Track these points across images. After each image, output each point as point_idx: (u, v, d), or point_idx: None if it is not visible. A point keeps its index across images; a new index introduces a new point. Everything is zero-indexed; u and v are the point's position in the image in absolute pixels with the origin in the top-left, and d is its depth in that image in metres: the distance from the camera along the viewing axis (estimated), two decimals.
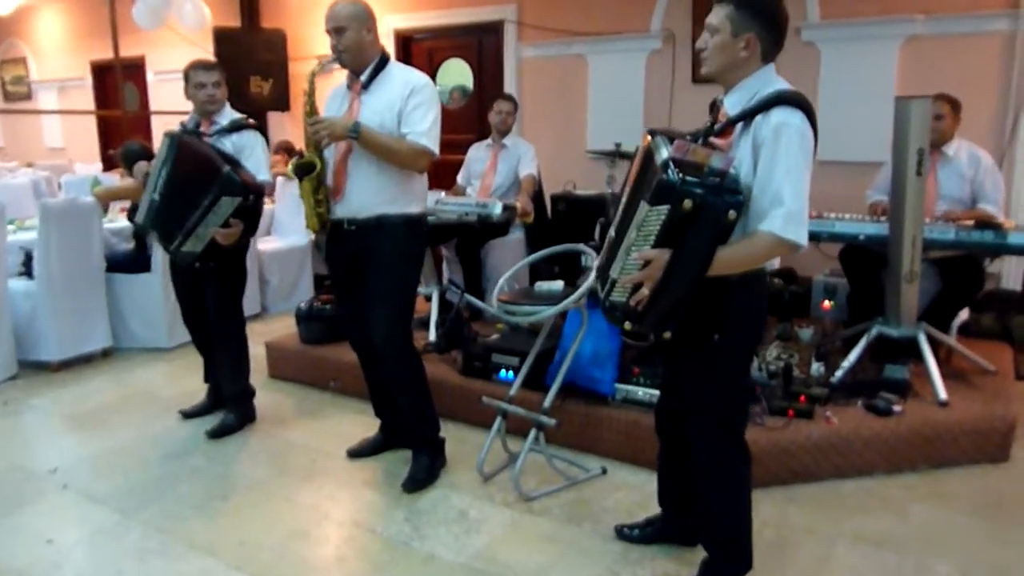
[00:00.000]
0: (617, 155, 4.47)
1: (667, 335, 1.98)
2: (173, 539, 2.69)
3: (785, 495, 2.92)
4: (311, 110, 2.88)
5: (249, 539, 2.69)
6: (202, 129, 3.43)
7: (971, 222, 3.50)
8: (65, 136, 9.58)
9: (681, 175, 1.81)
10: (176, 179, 3.24)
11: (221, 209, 3.18)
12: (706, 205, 1.81)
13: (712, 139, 2.07)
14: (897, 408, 3.22)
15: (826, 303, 4.66)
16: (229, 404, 3.64)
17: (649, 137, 2.03)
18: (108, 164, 8.65)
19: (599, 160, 5.47)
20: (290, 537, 2.70)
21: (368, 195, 2.88)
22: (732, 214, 1.85)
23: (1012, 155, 4.51)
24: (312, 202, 2.93)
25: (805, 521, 2.76)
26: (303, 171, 2.88)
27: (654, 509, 2.71)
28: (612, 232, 2.09)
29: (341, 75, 3.02)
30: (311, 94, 2.89)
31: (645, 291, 1.90)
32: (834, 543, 2.62)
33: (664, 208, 1.83)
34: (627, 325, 1.96)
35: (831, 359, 3.68)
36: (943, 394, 3.29)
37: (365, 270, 2.96)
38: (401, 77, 2.89)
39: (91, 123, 9.22)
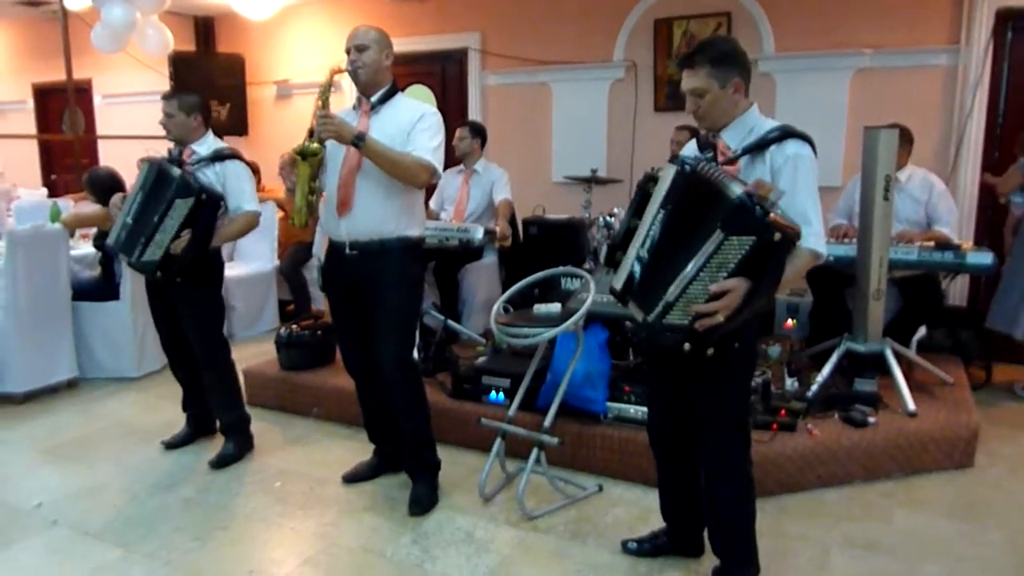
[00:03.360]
0: (594, 181, 4.61)
1: (710, 351, 2.09)
2: (181, 572, 2.65)
3: (775, 505, 3.05)
4: (324, 104, 2.91)
5: (260, 568, 2.68)
6: (184, 158, 3.41)
7: (931, 243, 3.74)
8: (3, 161, 9.23)
9: (765, 210, 1.94)
10: (147, 200, 3.26)
11: (176, 212, 3.21)
12: (787, 237, 1.96)
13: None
14: (871, 419, 3.41)
15: (789, 322, 4.88)
16: (227, 434, 3.59)
17: (684, 167, 2.13)
18: (52, 189, 8.39)
19: (566, 185, 5.62)
20: (302, 565, 2.69)
21: (373, 213, 2.93)
22: (799, 244, 2.05)
23: (955, 180, 4.83)
24: (306, 188, 2.94)
25: (798, 529, 2.89)
26: (305, 153, 2.90)
27: (653, 523, 2.82)
28: (644, 254, 2.17)
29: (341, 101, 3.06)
30: (327, 89, 2.93)
31: (720, 318, 2.00)
32: (828, 549, 2.76)
33: (748, 239, 1.95)
34: (686, 346, 2.06)
35: (802, 374, 3.86)
36: (912, 405, 3.50)
37: (368, 296, 3.00)
38: (410, 106, 3.00)
39: (31, 147, 8.92)
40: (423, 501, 3.07)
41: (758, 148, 2.20)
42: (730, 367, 2.23)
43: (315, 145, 2.88)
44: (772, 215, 1.94)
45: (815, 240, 2.14)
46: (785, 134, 2.19)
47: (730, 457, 2.31)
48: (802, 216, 2.10)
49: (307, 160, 2.89)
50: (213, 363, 3.54)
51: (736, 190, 1.97)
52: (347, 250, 2.98)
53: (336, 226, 2.99)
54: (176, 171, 3.25)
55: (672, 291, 2.04)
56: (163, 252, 3.25)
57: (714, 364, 2.18)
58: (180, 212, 3.21)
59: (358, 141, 2.77)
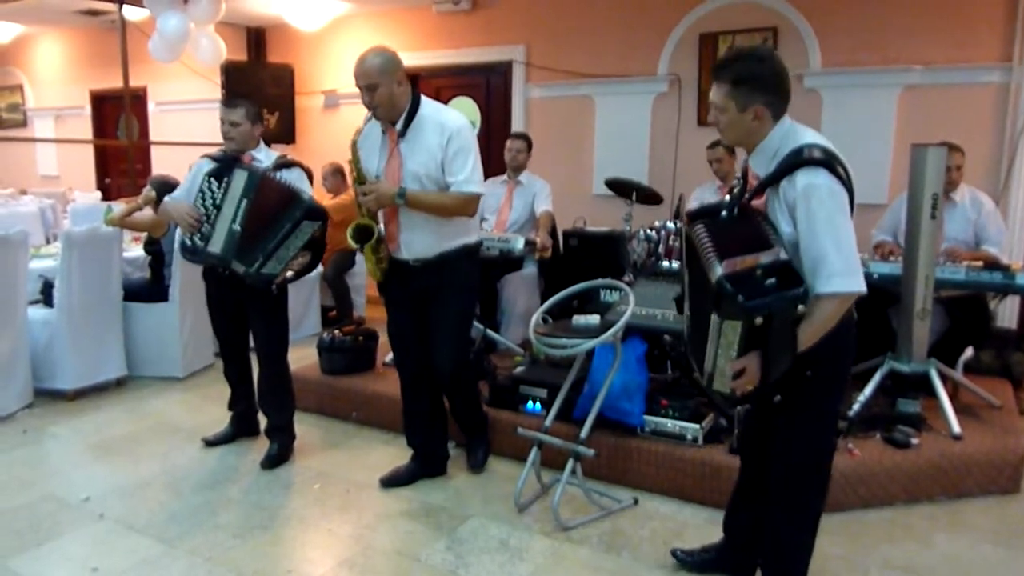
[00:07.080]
0: (636, 192, 4.61)
1: (777, 398, 2.08)
2: (221, 568, 2.71)
3: None
4: (359, 177, 3.00)
5: (297, 568, 2.73)
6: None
7: (979, 263, 3.67)
8: (60, 164, 9.56)
9: (742, 295, 1.85)
10: (258, 210, 3.28)
11: (303, 232, 3.31)
12: (774, 313, 1.88)
13: (751, 202, 2.19)
14: (915, 441, 3.34)
15: None
16: (273, 435, 3.67)
17: (690, 226, 2.13)
18: (106, 193, 8.65)
19: (607, 197, 5.62)
20: (338, 567, 2.73)
21: (426, 238, 3.06)
22: (800, 308, 1.92)
23: (1006, 200, 4.73)
24: (375, 260, 3.10)
25: (838, 550, 2.85)
26: (362, 238, 3.00)
27: (688, 538, 2.81)
28: (687, 311, 2.21)
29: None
30: (356, 163, 3.01)
31: (749, 388, 2.00)
32: (867, 570, 2.72)
33: (737, 323, 1.92)
34: (739, 409, 2.07)
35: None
36: (957, 428, 3.43)
37: (431, 302, 3.13)
38: (435, 121, 3.00)
39: (87, 152, 9.21)
40: (481, 457, 3.52)
41: (773, 181, 2.07)
42: (803, 396, 2.13)
43: (366, 221, 2.99)
44: (750, 299, 1.84)
45: (838, 281, 1.95)
46: (793, 165, 2.01)
47: (795, 486, 2.25)
48: (819, 255, 1.96)
49: (368, 244, 3.01)
50: (276, 363, 3.64)
51: (716, 271, 1.90)
52: (412, 263, 3.10)
53: (396, 249, 3.12)
54: (307, 194, 3.35)
55: (707, 364, 2.05)
56: (283, 267, 3.33)
57: (787, 392, 2.12)
58: (306, 233, 3.32)
59: (400, 200, 2.90)
